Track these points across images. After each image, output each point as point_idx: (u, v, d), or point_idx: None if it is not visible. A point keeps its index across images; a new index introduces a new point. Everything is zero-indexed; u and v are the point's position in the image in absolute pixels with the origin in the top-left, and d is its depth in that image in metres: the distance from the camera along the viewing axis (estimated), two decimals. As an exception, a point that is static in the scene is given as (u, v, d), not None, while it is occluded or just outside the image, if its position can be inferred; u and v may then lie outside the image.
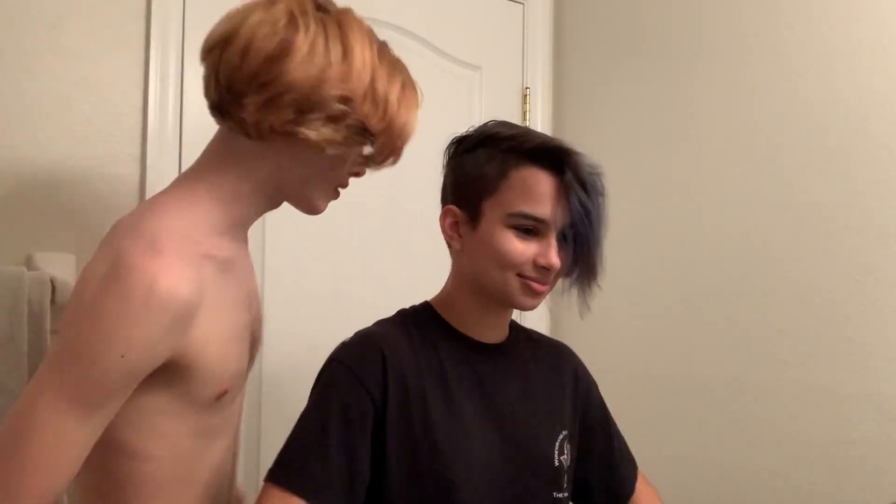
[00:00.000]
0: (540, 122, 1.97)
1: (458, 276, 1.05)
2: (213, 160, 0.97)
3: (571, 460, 1.07)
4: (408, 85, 0.97)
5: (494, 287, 0.99)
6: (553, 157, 0.96)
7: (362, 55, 0.90)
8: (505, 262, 0.97)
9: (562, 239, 0.97)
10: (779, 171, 1.54)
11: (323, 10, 0.92)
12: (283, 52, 0.87)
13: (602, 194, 0.99)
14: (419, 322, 1.04)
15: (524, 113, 1.96)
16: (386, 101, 0.92)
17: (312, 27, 0.88)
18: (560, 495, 1.02)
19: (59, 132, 1.34)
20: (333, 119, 0.89)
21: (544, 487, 1.01)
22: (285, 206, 1.62)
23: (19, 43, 1.31)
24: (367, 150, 0.97)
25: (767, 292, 1.54)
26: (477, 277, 1.01)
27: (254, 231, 1.53)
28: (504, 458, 0.98)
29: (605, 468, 1.13)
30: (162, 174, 1.43)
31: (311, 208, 1.03)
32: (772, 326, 1.53)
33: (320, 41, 0.88)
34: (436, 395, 0.97)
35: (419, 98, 0.98)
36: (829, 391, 1.45)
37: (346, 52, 0.89)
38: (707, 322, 1.64)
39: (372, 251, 1.67)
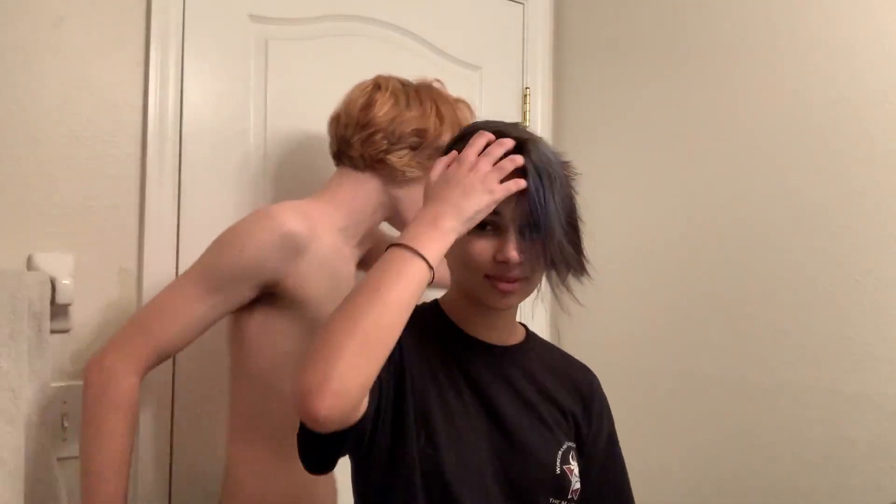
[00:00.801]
0: (540, 122, 1.97)
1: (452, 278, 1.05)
2: (333, 185, 1.33)
3: (580, 474, 1.04)
4: (461, 103, 1.35)
5: (469, 289, 1.00)
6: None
7: (431, 105, 1.30)
8: (468, 263, 0.97)
9: (523, 233, 0.95)
10: (779, 171, 1.54)
11: (404, 83, 1.34)
12: (370, 103, 1.29)
13: (559, 180, 0.95)
14: (426, 318, 1.04)
15: (524, 113, 1.96)
16: (452, 119, 1.31)
17: (391, 88, 1.31)
18: (558, 503, 1.01)
19: (59, 132, 1.34)
20: (413, 148, 1.28)
21: (542, 492, 0.99)
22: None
23: (20, 43, 1.31)
24: None
25: (767, 292, 1.54)
26: (456, 280, 1.03)
27: (254, 231, 1.53)
28: (498, 458, 0.98)
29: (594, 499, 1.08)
30: (162, 174, 1.43)
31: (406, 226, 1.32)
32: (772, 326, 1.53)
33: (402, 97, 1.30)
34: (435, 388, 0.97)
35: (472, 110, 1.34)
36: (829, 391, 1.45)
37: (421, 103, 1.30)
38: (707, 322, 1.64)
39: (372, 251, 1.67)
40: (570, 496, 1.01)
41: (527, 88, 1.97)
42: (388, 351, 0.83)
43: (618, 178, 1.72)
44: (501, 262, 0.95)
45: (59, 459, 1.25)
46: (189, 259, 1.45)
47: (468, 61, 1.87)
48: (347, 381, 0.78)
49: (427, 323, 1.03)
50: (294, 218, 1.19)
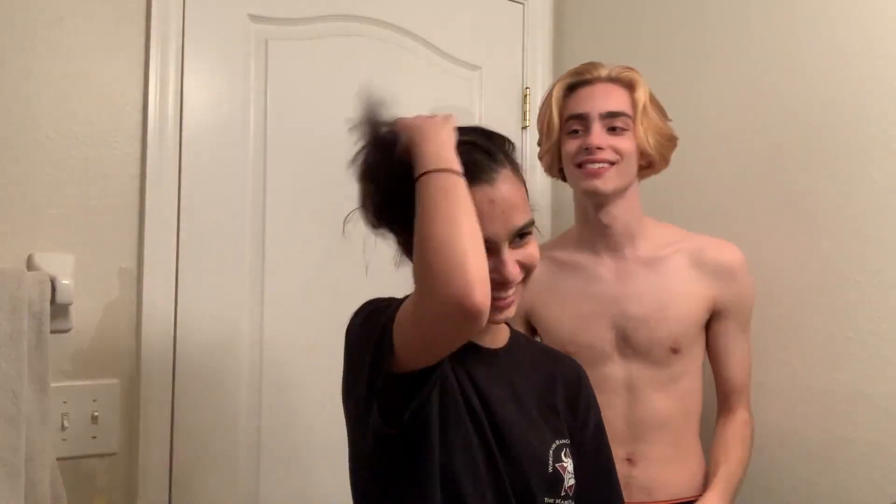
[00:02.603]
0: (540, 122, 1.97)
1: None
2: None
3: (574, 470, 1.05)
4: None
5: None
6: (474, 173, 0.94)
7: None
8: None
9: (517, 241, 0.97)
10: (779, 171, 1.54)
11: None
12: None
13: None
14: None
15: (524, 113, 1.96)
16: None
17: None
18: (553, 501, 1.01)
19: (59, 132, 1.34)
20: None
21: (536, 491, 1.00)
22: (281, 208, 1.63)
23: (19, 43, 1.31)
24: None
25: (767, 292, 1.54)
26: None
27: (253, 232, 1.54)
28: (493, 460, 0.98)
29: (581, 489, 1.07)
30: (162, 174, 1.43)
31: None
32: (772, 326, 1.53)
33: None
34: (437, 394, 0.97)
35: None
36: (829, 391, 1.45)
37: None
38: (707, 322, 1.64)
39: (372, 252, 1.67)
40: (563, 493, 1.02)
41: (527, 88, 1.97)
42: (483, 245, 0.87)
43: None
44: (499, 284, 0.95)
45: (59, 459, 1.25)
46: (189, 259, 1.46)
47: (468, 61, 1.86)
48: (480, 267, 0.83)
49: None
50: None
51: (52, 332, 1.23)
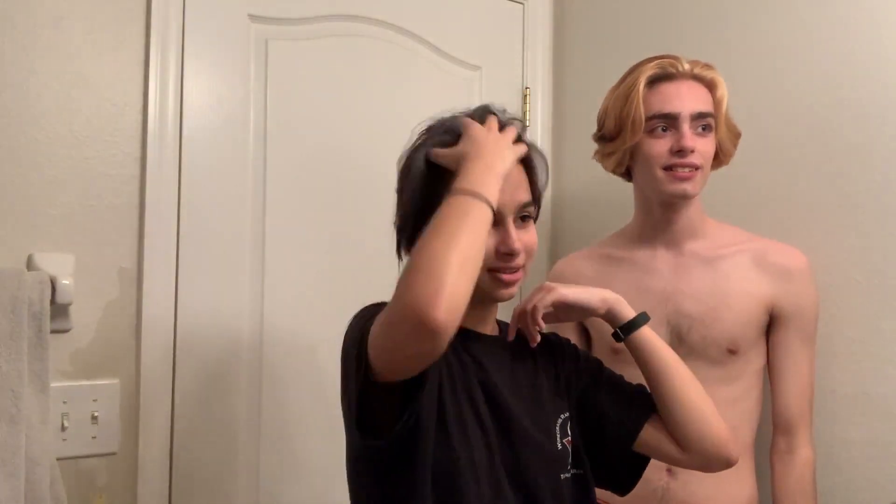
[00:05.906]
0: (540, 122, 1.97)
1: None
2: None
3: (580, 439, 1.09)
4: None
5: None
6: None
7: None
8: None
9: (516, 221, 1.00)
10: (779, 171, 1.54)
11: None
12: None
13: (544, 160, 1.09)
14: None
15: (524, 113, 1.96)
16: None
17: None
18: (566, 476, 1.05)
19: (59, 132, 1.34)
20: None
21: (547, 471, 1.02)
22: (281, 208, 1.63)
23: (20, 42, 1.31)
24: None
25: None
26: None
27: (254, 232, 1.54)
28: (503, 446, 1.00)
29: (606, 417, 1.10)
30: (162, 174, 1.43)
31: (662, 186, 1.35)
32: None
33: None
34: (444, 384, 0.98)
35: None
36: (830, 391, 1.44)
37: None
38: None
39: (373, 251, 1.67)
40: (569, 465, 1.06)
41: (527, 88, 1.97)
42: (476, 273, 0.86)
43: (618, 179, 1.71)
44: (505, 255, 0.99)
45: (59, 459, 1.25)
46: (189, 259, 1.46)
47: (468, 61, 1.87)
48: (456, 288, 0.81)
49: None
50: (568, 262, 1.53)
51: (52, 332, 1.23)
